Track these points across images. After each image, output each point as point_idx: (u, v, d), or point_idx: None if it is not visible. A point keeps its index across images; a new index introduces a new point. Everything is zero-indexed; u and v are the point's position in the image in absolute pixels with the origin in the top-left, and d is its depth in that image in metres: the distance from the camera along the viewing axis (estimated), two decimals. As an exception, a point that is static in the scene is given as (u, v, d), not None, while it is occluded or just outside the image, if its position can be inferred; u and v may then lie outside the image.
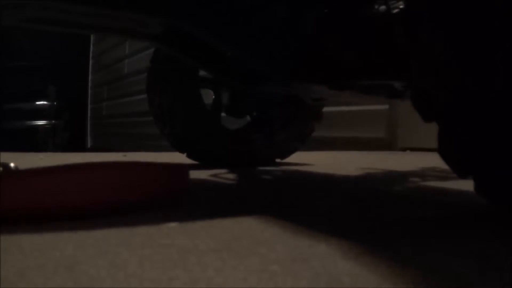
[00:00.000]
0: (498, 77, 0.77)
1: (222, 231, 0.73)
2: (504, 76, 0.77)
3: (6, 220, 0.71)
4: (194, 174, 1.51)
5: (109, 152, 3.62)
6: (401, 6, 1.17)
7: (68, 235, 0.68)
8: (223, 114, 1.98)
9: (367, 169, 2.02)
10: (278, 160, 2.13)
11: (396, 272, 0.54)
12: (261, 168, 1.98)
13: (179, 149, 1.97)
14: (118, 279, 0.49)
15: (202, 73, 1.91)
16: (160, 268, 0.53)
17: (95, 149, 9.56)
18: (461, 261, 0.59)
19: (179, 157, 1.99)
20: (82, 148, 9.83)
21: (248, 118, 2.07)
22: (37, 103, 9.98)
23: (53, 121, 10.01)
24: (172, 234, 0.70)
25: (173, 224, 0.77)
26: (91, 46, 10.86)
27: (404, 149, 4.04)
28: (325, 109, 2.13)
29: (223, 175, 1.68)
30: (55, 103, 10.04)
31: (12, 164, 0.96)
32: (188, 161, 1.96)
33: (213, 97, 1.97)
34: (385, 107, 4.18)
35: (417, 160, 2.58)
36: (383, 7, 1.21)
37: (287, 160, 2.15)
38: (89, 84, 11.12)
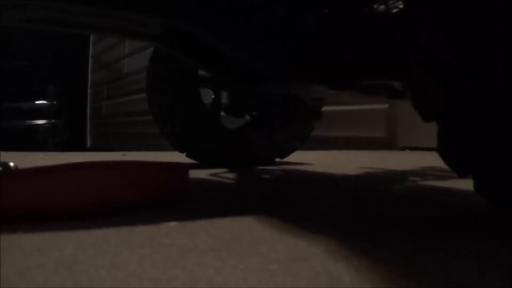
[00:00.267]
0: (498, 77, 0.77)
1: (222, 231, 0.73)
2: (504, 76, 0.77)
3: (6, 219, 0.71)
4: (194, 174, 1.51)
5: (108, 152, 3.61)
6: (400, 6, 1.17)
7: (68, 235, 0.68)
8: (222, 114, 1.98)
9: (367, 168, 2.02)
10: (278, 160, 2.13)
11: (396, 272, 0.54)
12: (261, 167, 1.98)
13: (179, 149, 1.98)
14: (118, 279, 0.49)
15: (202, 73, 1.91)
16: (160, 268, 0.53)
17: (94, 148, 9.55)
18: (461, 261, 0.59)
19: (179, 157, 1.99)
20: (82, 148, 9.82)
21: (248, 117, 2.07)
22: (37, 102, 9.97)
23: (53, 121, 10.01)
24: (172, 234, 0.70)
25: (173, 224, 0.77)
26: (91, 45, 10.85)
27: (403, 149, 4.04)
28: (325, 108, 2.13)
29: (223, 174, 1.68)
30: (54, 102, 10.04)
31: (11, 164, 0.96)
32: (188, 160, 1.96)
33: (213, 96, 1.97)
34: (385, 106, 4.17)
35: (416, 160, 2.58)
36: (382, 7, 1.21)
37: (287, 159, 2.15)
38: (89, 83, 11.10)
